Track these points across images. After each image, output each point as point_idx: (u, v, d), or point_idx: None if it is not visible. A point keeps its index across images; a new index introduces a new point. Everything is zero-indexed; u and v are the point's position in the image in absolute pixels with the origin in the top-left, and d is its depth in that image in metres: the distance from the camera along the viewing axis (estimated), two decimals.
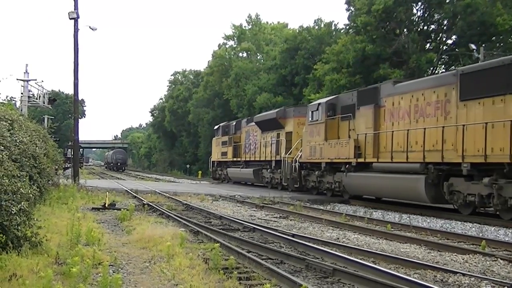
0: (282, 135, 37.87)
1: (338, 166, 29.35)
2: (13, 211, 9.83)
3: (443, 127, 21.37)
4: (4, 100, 36.98)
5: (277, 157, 38.10)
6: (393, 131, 24.62)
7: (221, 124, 54.96)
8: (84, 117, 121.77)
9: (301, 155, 33.78)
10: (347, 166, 28.06)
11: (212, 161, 56.65)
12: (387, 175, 24.67)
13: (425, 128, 22.40)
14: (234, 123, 50.51)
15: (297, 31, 62.96)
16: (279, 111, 38.84)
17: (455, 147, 20.66)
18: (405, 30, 43.22)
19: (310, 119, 32.35)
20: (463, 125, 20.23)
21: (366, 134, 26.54)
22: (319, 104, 31.60)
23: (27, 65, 41.02)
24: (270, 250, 12.50)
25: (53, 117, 54.16)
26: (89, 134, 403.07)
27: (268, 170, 40.19)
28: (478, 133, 19.51)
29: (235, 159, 48.16)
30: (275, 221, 20.07)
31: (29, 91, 41.07)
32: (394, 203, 24.97)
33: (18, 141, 14.79)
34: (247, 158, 45.24)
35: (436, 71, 41.18)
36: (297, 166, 34.06)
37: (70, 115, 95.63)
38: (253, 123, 43.73)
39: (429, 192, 22.15)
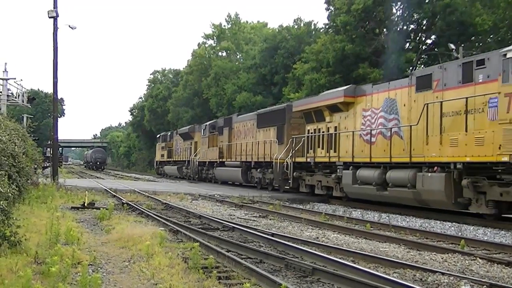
0: (192, 144, 54.39)
1: (213, 163, 46.62)
2: None
3: (247, 142, 39.23)
4: None
5: (189, 158, 54.62)
6: (231, 144, 42.80)
7: (161, 134, 74.45)
8: (64, 116, 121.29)
9: (199, 157, 50.89)
10: (215, 163, 45.76)
11: (156, 161, 75.69)
12: (229, 168, 42.47)
13: (241, 143, 40.41)
14: (169, 133, 68.33)
15: (277, 30, 62.97)
16: (190, 127, 56.38)
17: (252, 152, 37.85)
18: (384, 29, 43.38)
19: (202, 134, 50.15)
20: (253, 142, 37.87)
21: (224, 144, 44.44)
22: (206, 125, 49.58)
23: (6, 63, 40.75)
24: (249, 249, 12.53)
25: (32, 116, 53.78)
26: (68, 133, 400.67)
27: (185, 167, 57.24)
28: (256, 145, 36.93)
29: (169, 159, 65.97)
30: (255, 220, 20.10)
31: (8, 89, 40.83)
32: (373, 203, 24.97)
33: None
34: (176, 159, 62.51)
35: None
36: (197, 164, 51.53)
37: (49, 114, 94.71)
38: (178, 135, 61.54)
39: (243, 177, 39.41)
